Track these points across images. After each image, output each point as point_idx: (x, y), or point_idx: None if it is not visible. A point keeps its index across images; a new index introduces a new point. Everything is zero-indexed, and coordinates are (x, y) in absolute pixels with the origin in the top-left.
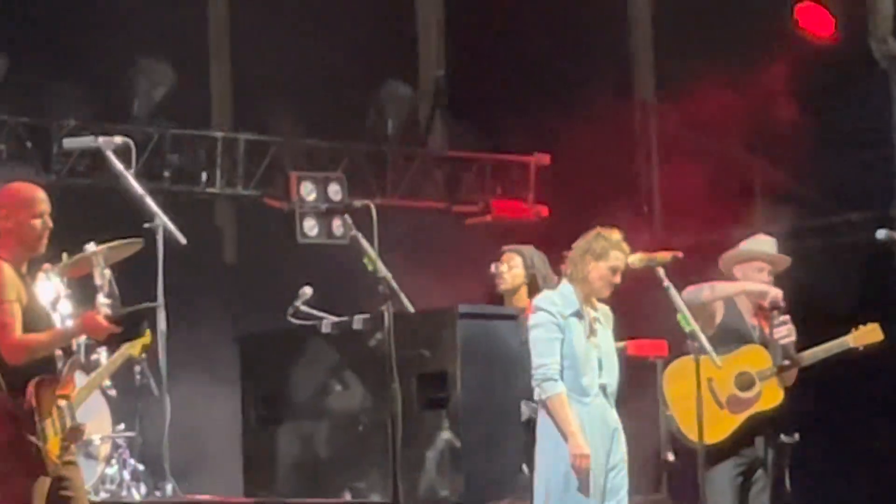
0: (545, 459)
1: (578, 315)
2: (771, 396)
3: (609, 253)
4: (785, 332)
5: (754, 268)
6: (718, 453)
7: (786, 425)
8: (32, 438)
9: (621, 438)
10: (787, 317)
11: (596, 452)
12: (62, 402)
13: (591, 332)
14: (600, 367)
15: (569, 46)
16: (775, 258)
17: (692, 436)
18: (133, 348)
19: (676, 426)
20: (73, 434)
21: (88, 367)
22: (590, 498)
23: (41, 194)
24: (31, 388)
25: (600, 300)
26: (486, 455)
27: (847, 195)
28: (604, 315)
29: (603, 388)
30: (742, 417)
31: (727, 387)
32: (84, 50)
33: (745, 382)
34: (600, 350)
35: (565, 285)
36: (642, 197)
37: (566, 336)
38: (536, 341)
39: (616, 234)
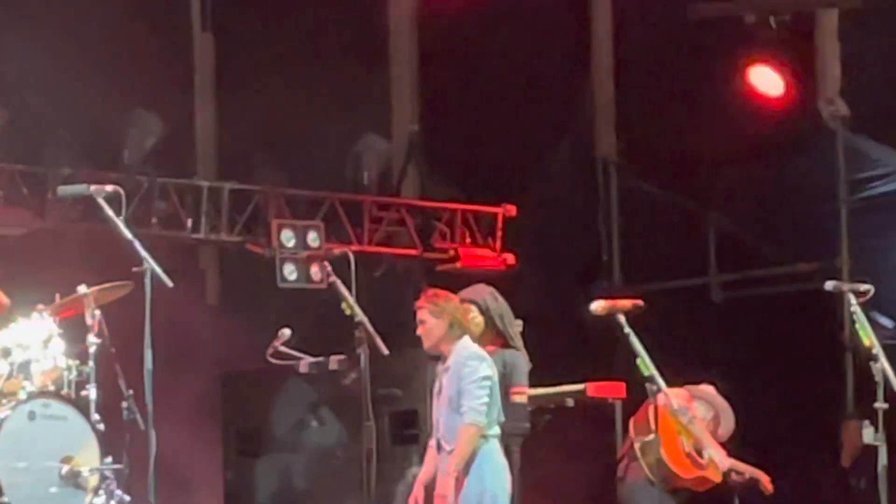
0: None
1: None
2: (714, 472)
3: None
4: None
5: (705, 408)
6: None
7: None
8: None
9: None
10: None
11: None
12: None
13: (439, 387)
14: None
15: (535, 105)
16: (725, 415)
17: (676, 469)
18: None
19: (662, 455)
20: None
21: (79, 403)
22: None
23: None
24: None
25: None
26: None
27: (796, 247)
28: (453, 361)
29: (438, 443)
30: (698, 473)
31: (689, 444)
32: (78, 101)
33: (699, 448)
34: (438, 409)
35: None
36: (602, 246)
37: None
38: (474, 393)
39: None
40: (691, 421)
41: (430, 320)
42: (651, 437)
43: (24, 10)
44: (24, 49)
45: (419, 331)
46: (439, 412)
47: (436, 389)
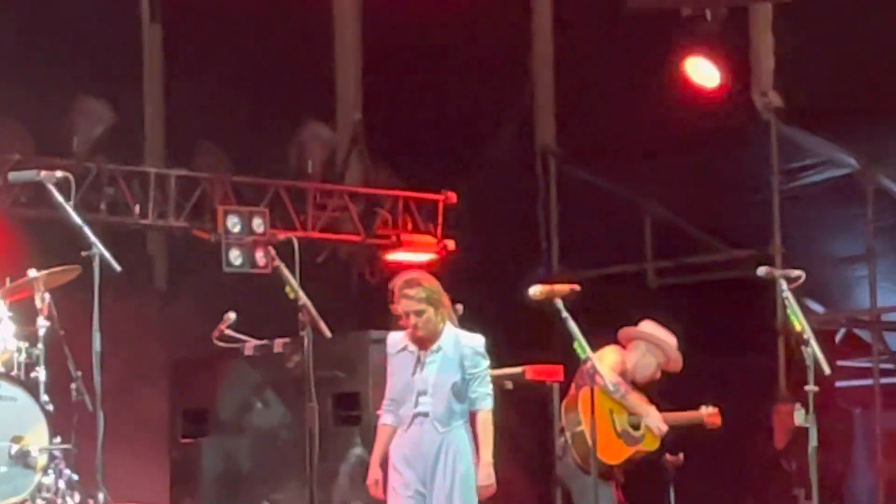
0: None
1: (405, 350)
2: (651, 441)
3: (395, 302)
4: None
5: (645, 348)
6: (610, 473)
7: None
8: None
9: (444, 460)
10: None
11: (411, 475)
12: None
13: (419, 368)
14: (421, 395)
15: (476, 94)
16: (670, 351)
17: (601, 455)
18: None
19: (584, 441)
20: None
21: (28, 384)
22: None
23: None
24: None
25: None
26: None
27: (730, 234)
28: (454, 349)
29: (421, 415)
30: (631, 450)
31: (622, 421)
32: (28, 89)
33: (634, 422)
34: (425, 384)
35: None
36: (541, 233)
37: (393, 373)
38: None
39: (403, 280)
40: (624, 396)
41: (428, 309)
42: (579, 428)
43: None
44: None
45: (418, 322)
46: (434, 391)
47: (415, 372)
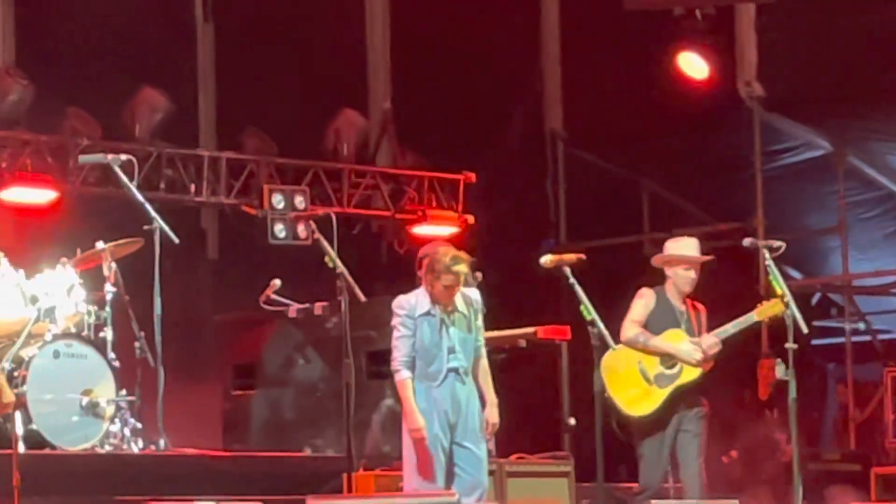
0: (404, 434)
1: (429, 314)
2: (690, 371)
3: (442, 276)
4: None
5: (682, 267)
6: (651, 424)
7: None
8: None
9: (471, 413)
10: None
11: (441, 426)
12: None
13: (444, 327)
14: (451, 353)
15: (491, 86)
16: (698, 259)
17: (627, 409)
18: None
19: (615, 405)
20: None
21: (97, 343)
22: (431, 465)
23: None
24: None
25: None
26: None
27: (717, 208)
28: (465, 305)
29: (453, 370)
30: (668, 391)
31: (654, 366)
32: (96, 80)
33: (668, 361)
34: (451, 340)
35: (421, 289)
36: (550, 208)
37: (417, 333)
38: (392, 339)
39: (448, 257)
40: (646, 343)
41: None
42: (606, 394)
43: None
44: (51, 33)
45: (458, 285)
46: (461, 347)
47: (441, 330)
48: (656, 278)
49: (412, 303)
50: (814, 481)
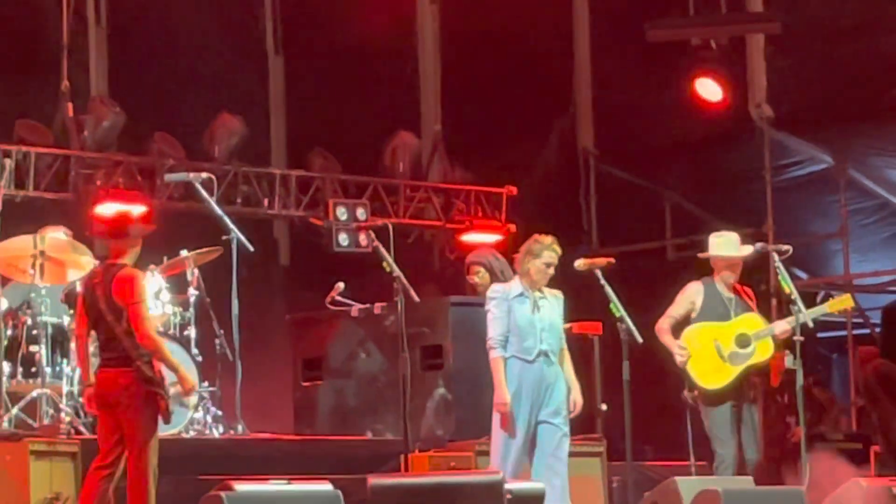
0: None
1: (522, 296)
2: (762, 352)
3: (543, 252)
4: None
5: (724, 266)
6: (721, 396)
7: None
8: (161, 393)
9: (557, 392)
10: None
11: (528, 402)
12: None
13: (536, 308)
14: (542, 333)
15: (531, 109)
16: (734, 258)
17: (700, 381)
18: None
19: (690, 376)
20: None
21: (182, 340)
22: (515, 437)
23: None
24: (157, 363)
25: (554, 287)
26: (469, 405)
27: (732, 216)
28: (553, 298)
29: (544, 353)
30: (740, 368)
31: (729, 345)
32: (180, 108)
33: (742, 341)
34: (543, 322)
35: (515, 277)
36: (583, 217)
37: (512, 313)
38: (487, 320)
39: (548, 239)
40: (661, 338)
41: None
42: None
43: (140, 39)
44: (140, 67)
45: (554, 264)
46: (549, 330)
47: (534, 311)
48: (676, 280)
49: (506, 288)
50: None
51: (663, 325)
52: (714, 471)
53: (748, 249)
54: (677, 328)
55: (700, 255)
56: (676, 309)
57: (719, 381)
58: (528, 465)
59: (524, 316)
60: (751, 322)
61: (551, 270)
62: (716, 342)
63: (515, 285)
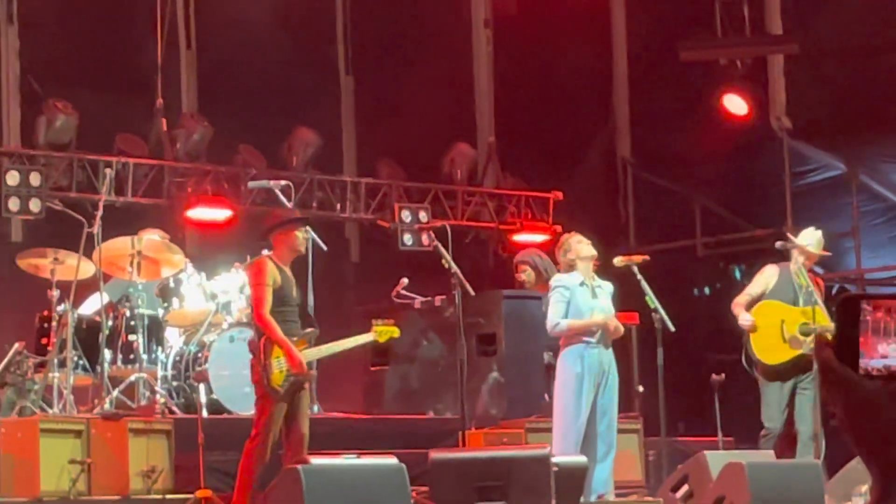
0: (558, 390)
1: (582, 284)
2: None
3: (582, 247)
4: None
5: (798, 253)
6: (776, 372)
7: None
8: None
9: (612, 378)
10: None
11: (590, 384)
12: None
13: (594, 295)
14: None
15: (575, 121)
16: (812, 255)
17: (758, 354)
18: (380, 336)
19: (750, 347)
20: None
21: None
22: (578, 415)
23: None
24: (261, 343)
25: (605, 278)
26: (520, 387)
27: (755, 218)
28: (605, 286)
29: (602, 337)
30: (796, 353)
31: (793, 328)
32: (261, 122)
33: (806, 330)
34: (600, 307)
35: (574, 268)
36: (621, 219)
37: (573, 299)
38: (549, 307)
39: (578, 235)
40: (796, 301)
41: None
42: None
43: (225, 60)
44: (225, 84)
45: (594, 251)
46: (599, 309)
47: (594, 297)
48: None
49: (567, 277)
50: (832, 436)
51: (740, 300)
52: (759, 441)
53: (821, 248)
54: (752, 305)
55: (778, 244)
56: (753, 287)
57: (776, 358)
58: (587, 441)
59: (586, 302)
60: (819, 316)
61: (594, 260)
62: (782, 322)
63: (575, 275)
